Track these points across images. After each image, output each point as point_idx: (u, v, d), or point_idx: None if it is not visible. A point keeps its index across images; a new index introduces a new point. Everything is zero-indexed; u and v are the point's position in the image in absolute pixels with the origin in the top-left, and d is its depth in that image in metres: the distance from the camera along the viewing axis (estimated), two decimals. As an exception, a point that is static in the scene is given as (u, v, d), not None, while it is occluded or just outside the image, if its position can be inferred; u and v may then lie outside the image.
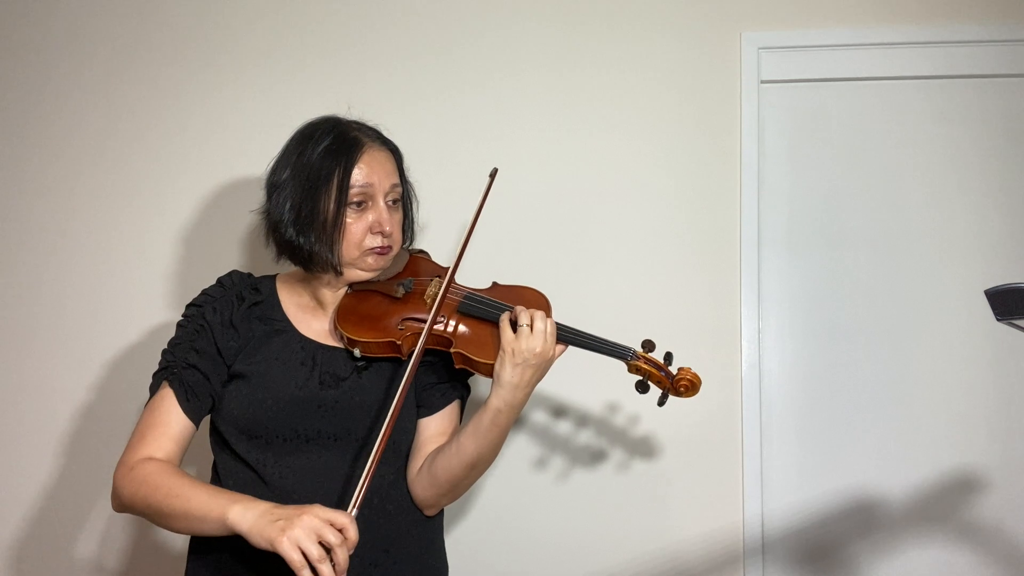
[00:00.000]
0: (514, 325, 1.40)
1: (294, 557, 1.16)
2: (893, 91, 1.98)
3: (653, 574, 1.89)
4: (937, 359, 1.92)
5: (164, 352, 1.46)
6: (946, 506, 1.90)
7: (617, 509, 1.91)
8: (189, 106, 2.04)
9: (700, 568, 1.89)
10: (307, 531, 1.16)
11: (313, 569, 1.16)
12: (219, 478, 1.45)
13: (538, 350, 1.37)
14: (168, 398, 1.41)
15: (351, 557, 1.31)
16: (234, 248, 2.00)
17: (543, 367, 1.39)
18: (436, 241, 1.90)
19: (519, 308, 1.41)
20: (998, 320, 1.13)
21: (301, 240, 1.41)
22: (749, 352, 1.92)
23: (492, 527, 1.92)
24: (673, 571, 1.89)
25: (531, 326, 1.38)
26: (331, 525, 1.18)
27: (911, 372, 1.92)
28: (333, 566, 1.17)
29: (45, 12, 2.09)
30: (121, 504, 1.38)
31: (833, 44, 1.96)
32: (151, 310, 1.99)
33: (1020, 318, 1.11)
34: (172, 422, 1.40)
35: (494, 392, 1.38)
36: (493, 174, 1.58)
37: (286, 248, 1.45)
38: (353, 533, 1.19)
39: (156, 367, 1.46)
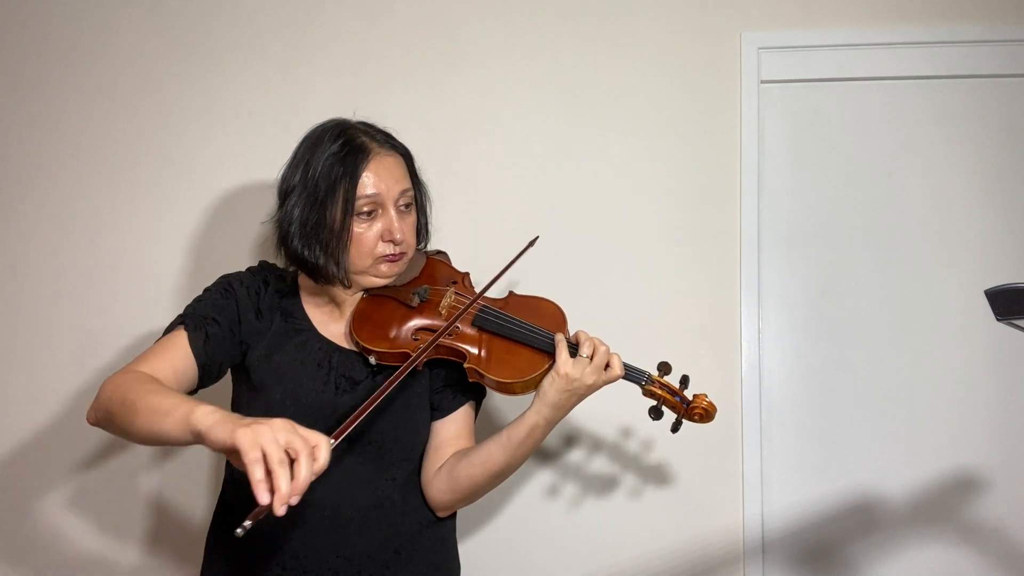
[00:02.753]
0: (572, 348, 1.39)
1: (250, 453, 1.01)
2: (893, 91, 1.98)
3: (653, 573, 1.89)
4: (937, 359, 1.92)
5: (187, 306, 1.45)
6: (946, 506, 1.90)
7: (615, 509, 1.91)
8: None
9: (700, 568, 1.89)
10: (274, 432, 1.02)
11: (268, 472, 1.01)
12: (234, 479, 1.45)
13: (589, 383, 1.37)
14: (180, 337, 1.37)
15: (363, 558, 1.32)
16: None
17: (588, 395, 1.40)
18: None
19: (581, 335, 1.40)
20: (998, 320, 1.13)
21: (306, 253, 1.40)
22: (749, 352, 1.92)
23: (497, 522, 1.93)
24: (673, 571, 1.89)
25: (591, 358, 1.37)
26: (303, 439, 1.04)
27: (911, 372, 1.92)
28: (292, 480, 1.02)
29: (43, 13, 2.08)
30: (97, 407, 1.30)
31: (833, 44, 1.96)
32: (159, 319, 1.93)
33: (1020, 318, 1.11)
34: (178, 357, 1.36)
35: (535, 408, 1.39)
36: (533, 242, 1.55)
37: (293, 260, 1.44)
38: (324, 456, 1.04)
39: None
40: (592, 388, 1.38)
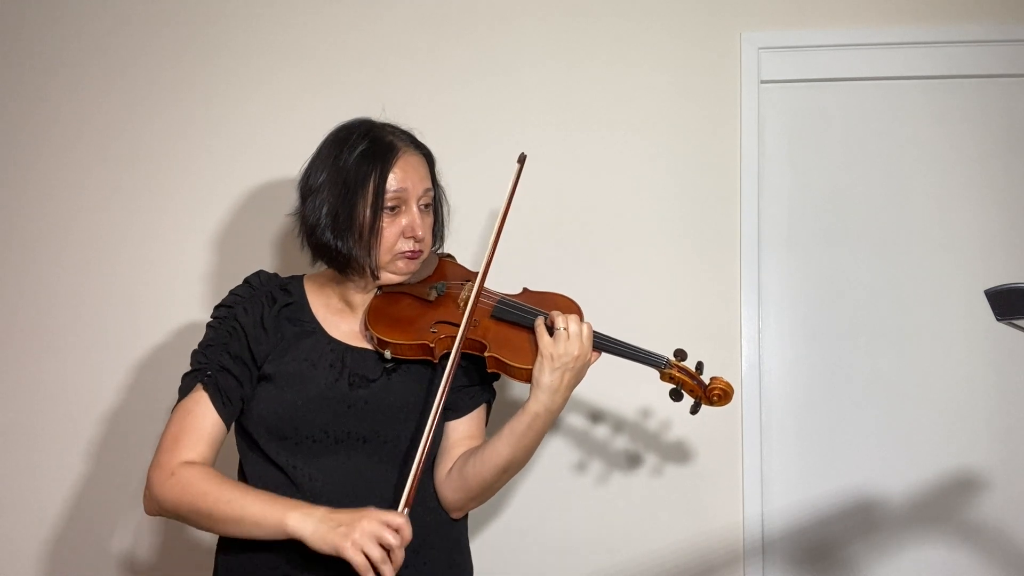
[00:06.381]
0: (550, 330, 1.40)
1: (359, 561, 1.23)
2: (894, 91, 1.98)
3: (653, 573, 1.89)
4: (937, 359, 1.92)
5: (195, 353, 1.46)
6: (946, 506, 1.90)
7: (616, 510, 1.91)
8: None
9: (700, 568, 1.89)
10: (368, 535, 1.24)
11: (375, 569, 1.23)
12: (246, 480, 1.44)
13: (576, 353, 1.38)
14: (202, 401, 1.41)
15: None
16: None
17: (581, 371, 1.41)
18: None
19: (554, 313, 1.42)
20: (998, 320, 1.13)
21: (339, 244, 1.42)
22: (749, 352, 1.92)
23: (502, 529, 1.93)
24: (673, 571, 1.89)
25: (567, 330, 1.39)
26: (388, 527, 1.25)
27: (911, 372, 1.92)
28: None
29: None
30: (161, 508, 1.38)
31: (833, 44, 1.96)
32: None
33: (1020, 318, 1.12)
34: (207, 425, 1.40)
35: (533, 396, 1.39)
36: (522, 159, 1.54)
37: (322, 252, 1.45)
38: (408, 532, 1.26)
39: (185, 368, 1.45)
40: (582, 360, 1.39)
